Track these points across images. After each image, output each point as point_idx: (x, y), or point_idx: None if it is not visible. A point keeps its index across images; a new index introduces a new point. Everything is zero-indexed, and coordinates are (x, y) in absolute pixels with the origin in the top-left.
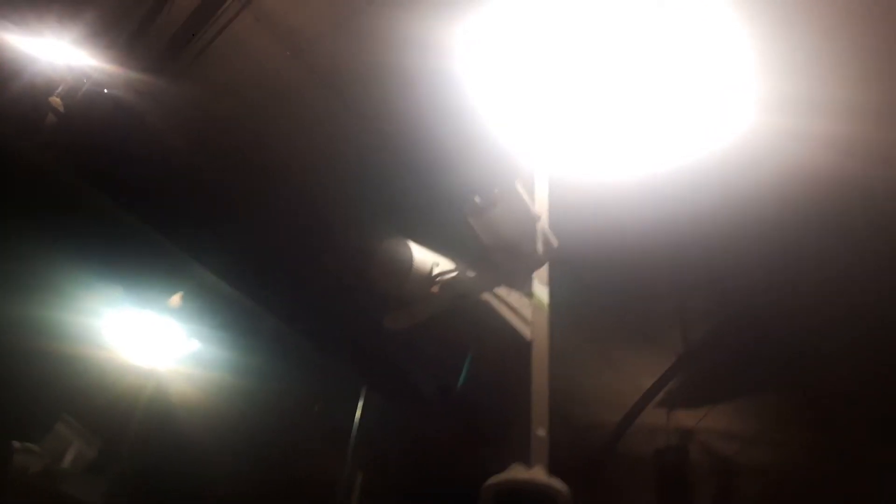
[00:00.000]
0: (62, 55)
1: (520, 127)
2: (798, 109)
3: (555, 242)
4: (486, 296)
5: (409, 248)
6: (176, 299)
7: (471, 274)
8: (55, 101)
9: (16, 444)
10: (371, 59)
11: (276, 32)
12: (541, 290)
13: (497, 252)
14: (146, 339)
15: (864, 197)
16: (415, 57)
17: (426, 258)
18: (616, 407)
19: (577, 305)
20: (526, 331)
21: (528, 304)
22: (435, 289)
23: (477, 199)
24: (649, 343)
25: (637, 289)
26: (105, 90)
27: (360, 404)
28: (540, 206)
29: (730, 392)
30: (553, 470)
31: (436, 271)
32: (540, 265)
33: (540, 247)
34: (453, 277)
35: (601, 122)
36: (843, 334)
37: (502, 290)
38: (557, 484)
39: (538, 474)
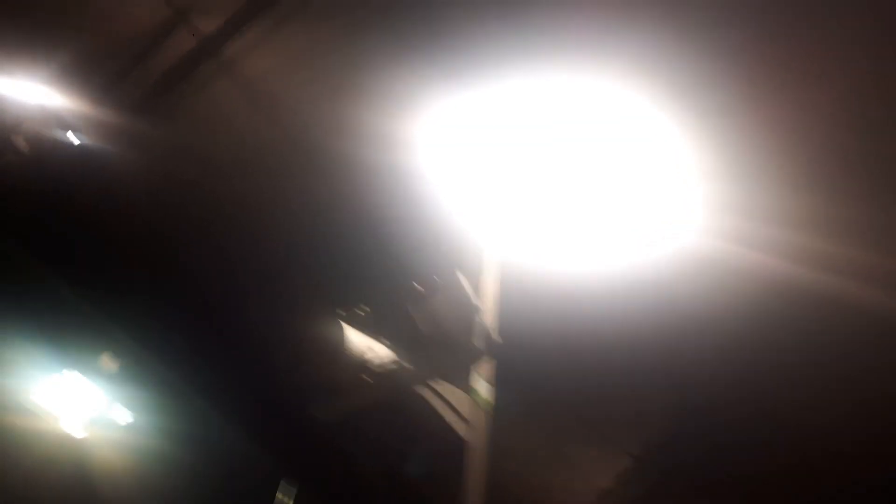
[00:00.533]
0: (32, 95)
1: (473, 216)
2: (745, 215)
3: (496, 337)
4: (421, 388)
5: (342, 331)
6: (108, 361)
7: (406, 364)
8: (18, 139)
9: None
10: (339, 137)
11: (252, 98)
12: (482, 387)
13: (435, 343)
14: (73, 404)
15: (809, 300)
16: (378, 146)
17: (360, 343)
18: None
19: (530, 400)
20: (462, 429)
21: (468, 401)
22: (366, 377)
23: (417, 286)
24: (606, 441)
25: (593, 385)
26: (70, 134)
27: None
28: (490, 295)
29: (692, 493)
30: None
31: (370, 357)
32: (478, 360)
33: (478, 340)
34: (387, 366)
35: (553, 216)
36: (795, 431)
37: (440, 384)
38: None
39: None
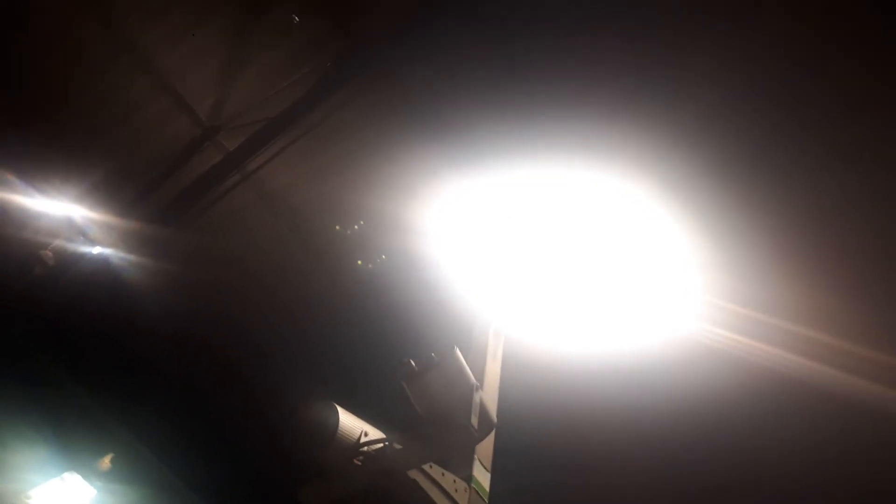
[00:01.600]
0: (64, 211)
1: (478, 297)
2: (744, 305)
3: (493, 418)
4: (416, 474)
5: (336, 412)
6: (105, 462)
7: (399, 447)
8: (46, 254)
9: None
10: (353, 232)
11: (275, 210)
12: (482, 475)
13: (430, 423)
14: (68, 500)
15: (804, 390)
16: (388, 234)
17: (353, 426)
18: None
19: (556, 478)
20: None
21: (466, 490)
22: (358, 460)
23: (412, 363)
24: None
25: (591, 463)
26: (96, 250)
27: None
28: (492, 373)
29: None
30: None
31: (363, 440)
32: (475, 441)
33: (475, 420)
34: (380, 449)
35: (556, 299)
36: None
37: (436, 470)
38: None
39: None
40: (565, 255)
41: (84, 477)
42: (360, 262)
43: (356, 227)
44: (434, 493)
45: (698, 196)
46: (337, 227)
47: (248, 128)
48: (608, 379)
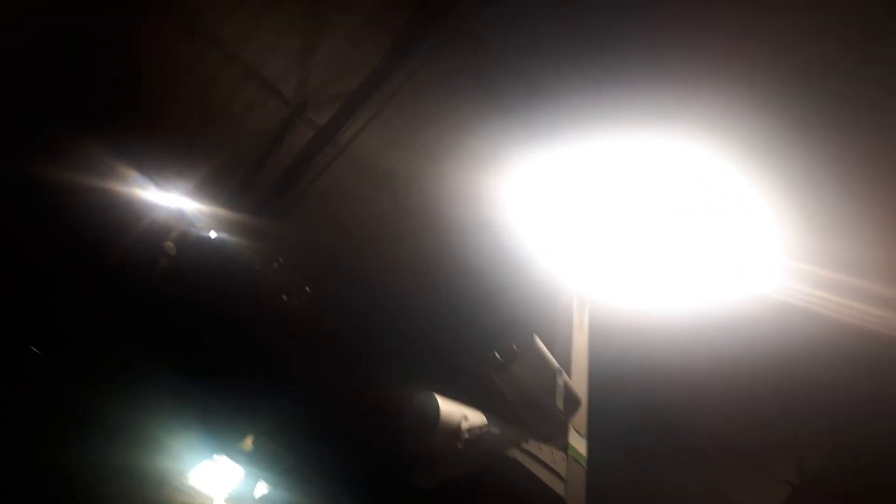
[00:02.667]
0: (177, 203)
1: (565, 263)
2: (824, 264)
3: (580, 396)
4: (515, 452)
5: (436, 402)
6: (248, 443)
7: (497, 430)
8: (169, 245)
9: None
10: (436, 210)
11: (371, 178)
12: (578, 442)
13: (522, 407)
14: (219, 481)
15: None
16: (472, 205)
17: (454, 412)
18: None
19: (668, 437)
20: (560, 487)
21: (564, 459)
22: (461, 445)
23: (497, 355)
24: (762, 473)
25: (739, 423)
26: (213, 234)
27: None
28: (580, 347)
29: None
30: None
31: (464, 426)
32: (563, 420)
33: (560, 402)
34: (480, 433)
35: (639, 267)
36: None
37: (533, 445)
38: None
39: None
40: (643, 220)
41: (231, 458)
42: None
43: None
44: (534, 467)
45: (781, 156)
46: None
47: (334, 100)
48: (694, 339)
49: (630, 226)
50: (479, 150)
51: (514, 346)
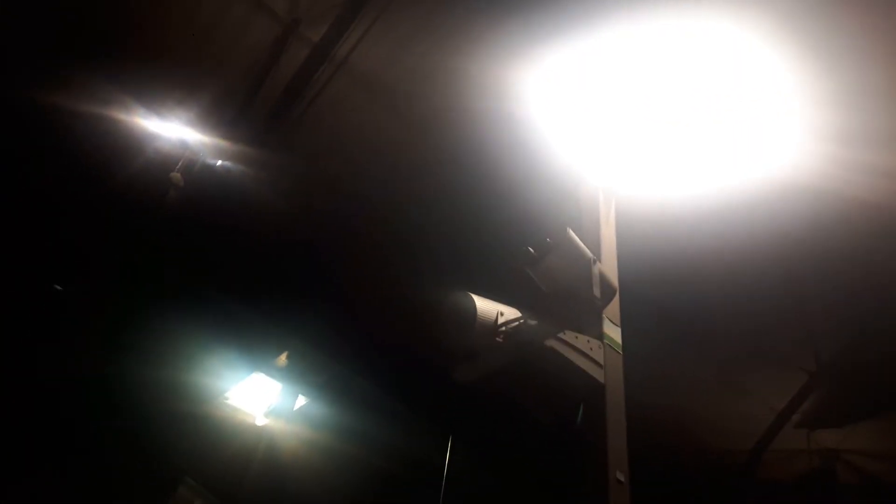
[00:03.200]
0: (179, 133)
1: (587, 156)
2: (848, 139)
3: (615, 283)
4: (552, 342)
5: (472, 301)
6: (282, 359)
7: (533, 322)
8: (175, 176)
9: None
10: (455, 106)
11: (371, 91)
12: (612, 331)
13: (557, 298)
14: (257, 397)
15: None
16: (491, 100)
17: (490, 309)
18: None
19: (693, 326)
20: (599, 374)
21: (600, 347)
22: (500, 339)
23: (530, 250)
24: (780, 365)
25: (761, 310)
26: (218, 163)
27: (448, 453)
28: (608, 238)
29: (872, 408)
30: (684, 499)
31: (500, 321)
32: (599, 309)
33: (597, 290)
34: (517, 326)
35: (661, 150)
36: None
37: (569, 335)
38: None
39: None
40: (665, 107)
41: (268, 375)
42: None
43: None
44: (571, 355)
45: (804, 26)
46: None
47: (328, 14)
48: (715, 228)
49: (652, 113)
50: (488, 42)
51: (548, 239)
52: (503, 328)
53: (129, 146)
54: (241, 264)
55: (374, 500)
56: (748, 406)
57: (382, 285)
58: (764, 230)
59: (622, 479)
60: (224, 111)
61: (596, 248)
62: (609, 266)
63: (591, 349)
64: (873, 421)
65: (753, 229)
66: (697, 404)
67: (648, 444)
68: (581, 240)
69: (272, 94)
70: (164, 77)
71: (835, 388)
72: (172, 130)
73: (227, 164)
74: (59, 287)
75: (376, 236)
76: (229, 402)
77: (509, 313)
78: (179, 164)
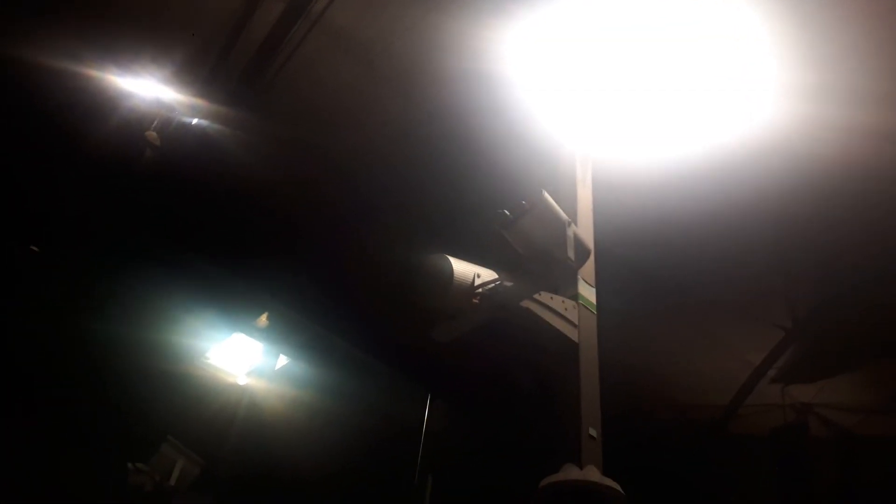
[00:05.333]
0: (153, 91)
1: (563, 119)
2: (822, 98)
3: (589, 245)
4: (528, 303)
5: (448, 262)
6: (262, 320)
7: (509, 283)
8: (151, 135)
9: (130, 465)
10: (432, 65)
11: (349, 48)
12: (587, 291)
13: (533, 260)
14: (239, 358)
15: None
16: (469, 60)
17: (466, 270)
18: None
19: (668, 286)
20: (573, 333)
21: (575, 307)
22: (476, 300)
23: (506, 212)
24: (755, 320)
25: (737, 268)
26: (194, 122)
27: (427, 411)
28: (585, 200)
29: (845, 363)
30: (657, 454)
31: (477, 282)
32: (574, 270)
33: (571, 253)
34: (493, 287)
35: (638, 112)
36: None
37: (545, 296)
38: (609, 483)
39: (590, 474)
40: (641, 68)
41: (249, 335)
42: None
43: None
44: (546, 315)
45: None
46: None
47: None
48: (691, 189)
49: (629, 77)
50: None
51: (523, 202)
52: (479, 289)
53: (102, 104)
54: (219, 225)
55: (355, 458)
56: (724, 363)
57: (361, 247)
58: (739, 190)
59: (594, 434)
60: (198, 69)
61: (572, 210)
62: (585, 228)
63: (565, 309)
64: (844, 376)
65: (729, 190)
66: (673, 362)
67: (623, 402)
68: (557, 202)
69: (248, 51)
70: (135, 32)
71: (809, 345)
72: (147, 88)
73: (204, 122)
74: (35, 249)
75: (353, 198)
76: (210, 362)
77: (486, 275)
78: (155, 122)
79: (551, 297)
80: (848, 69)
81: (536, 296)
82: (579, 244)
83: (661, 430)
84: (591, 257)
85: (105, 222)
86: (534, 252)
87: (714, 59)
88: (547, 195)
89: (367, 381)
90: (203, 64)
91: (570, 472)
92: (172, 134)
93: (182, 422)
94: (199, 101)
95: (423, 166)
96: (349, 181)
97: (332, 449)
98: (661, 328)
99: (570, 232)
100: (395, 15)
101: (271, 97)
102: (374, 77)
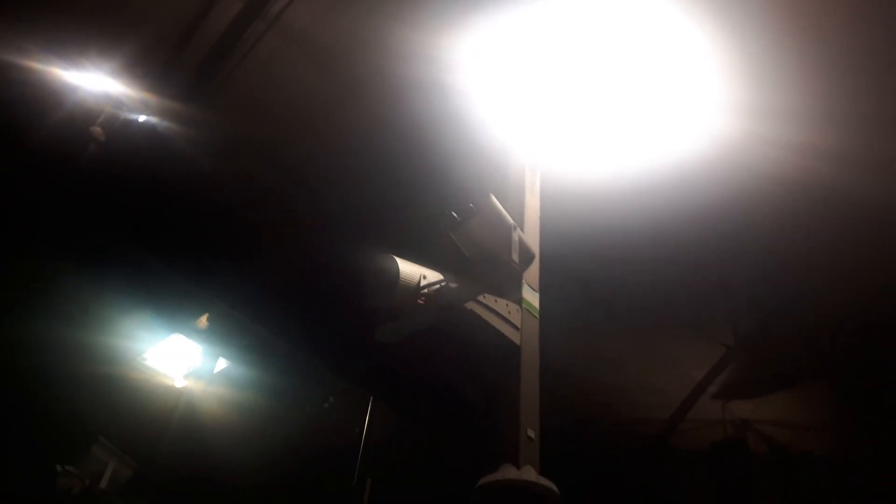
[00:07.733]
0: (100, 85)
1: (514, 130)
2: (763, 116)
3: (534, 250)
4: (472, 305)
5: (395, 263)
6: (203, 321)
7: (454, 285)
8: (96, 130)
9: (58, 467)
10: (388, 71)
11: (306, 51)
12: (531, 296)
13: (479, 262)
14: (176, 359)
15: (833, 197)
16: (424, 67)
17: (413, 272)
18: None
19: (614, 299)
20: (515, 336)
21: (518, 310)
22: (421, 300)
23: (454, 214)
24: (699, 336)
25: (682, 284)
26: (141, 118)
27: (368, 414)
28: (532, 207)
29: (782, 381)
30: (601, 467)
31: (423, 283)
32: (518, 273)
33: (515, 256)
34: (438, 288)
35: (587, 125)
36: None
37: (489, 299)
38: (545, 483)
39: (527, 474)
40: (589, 79)
41: (188, 337)
42: None
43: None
44: (490, 318)
45: (724, 7)
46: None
47: None
48: (638, 203)
49: (579, 89)
50: (430, 10)
51: (471, 204)
52: (425, 290)
53: (46, 98)
54: (161, 223)
55: (294, 462)
56: (667, 377)
57: (306, 248)
58: (683, 205)
59: (532, 436)
60: (150, 64)
61: (520, 216)
62: (532, 234)
63: (509, 312)
64: (782, 393)
65: (673, 204)
66: (616, 374)
67: (565, 412)
68: (506, 208)
69: (202, 48)
70: (84, 24)
71: (749, 362)
72: (93, 82)
73: (152, 119)
74: None
75: (301, 199)
76: (147, 363)
77: (432, 276)
78: (101, 117)
79: (496, 300)
80: (784, 89)
81: (481, 298)
82: (524, 248)
83: (602, 442)
84: (536, 263)
85: (43, 218)
86: (480, 254)
87: (660, 76)
88: (494, 199)
89: (309, 385)
90: (156, 59)
91: (508, 472)
92: (119, 130)
93: (115, 424)
94: (149, 97)
95: (376, 171)
96: (300, 183)
97: (271, 453)
98: (605, 339)
99: (515, 235)
100: (353, 22)
101: (225, 95)
102: (331, 82)
